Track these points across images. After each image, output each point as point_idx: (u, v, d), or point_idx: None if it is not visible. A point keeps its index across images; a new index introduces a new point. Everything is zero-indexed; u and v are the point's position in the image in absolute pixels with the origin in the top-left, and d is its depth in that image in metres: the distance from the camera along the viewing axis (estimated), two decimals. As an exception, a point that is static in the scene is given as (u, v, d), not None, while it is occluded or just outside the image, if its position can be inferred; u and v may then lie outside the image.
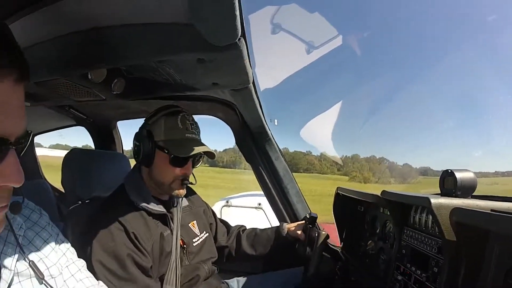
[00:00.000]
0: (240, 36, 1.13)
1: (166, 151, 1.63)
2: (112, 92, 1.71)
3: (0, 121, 0.62)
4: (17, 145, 0.68)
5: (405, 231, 1.70)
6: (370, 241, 2.13)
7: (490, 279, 1.21)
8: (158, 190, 1.74)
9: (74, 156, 1.96)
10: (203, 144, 1.69)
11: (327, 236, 2.04)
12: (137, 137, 1.69)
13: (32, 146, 3.76)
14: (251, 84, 1.67)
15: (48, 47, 1.29)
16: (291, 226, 2.19)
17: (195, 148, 1.62)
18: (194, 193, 2.11)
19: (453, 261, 1.31)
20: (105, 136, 3.08)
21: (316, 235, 2.01)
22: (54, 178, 3.83)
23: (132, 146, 1.73)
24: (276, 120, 2.48)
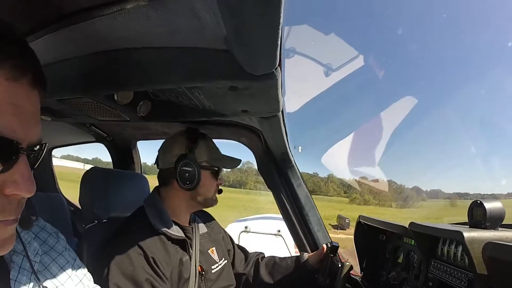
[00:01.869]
0: (277, 65, 1.11)
1: (216, 169, 1.79)
2: (137, 114, 1.72)
3: (12, 124, 0.60)
4: (29, 151, 0.65)
5: (432, 263, 1.65)
6: (393, 271, 2.07)
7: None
8: (185, 208, 1.80)
9: (94, 174, 1.96)
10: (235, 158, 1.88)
11: (351, 267, 2.00)
12: (181, 163, 1.71)
13: (49, 158, 3.75)
14: (280, 112, 1.66)
15: (73, 64, 1.29)
16: (312, 255, 2.13)
17: (235, 159, 1.87)
18: (213, 219, 2.09)
19: None
20: (124, 155, 3.12)
21: (340, 265, 1.97)
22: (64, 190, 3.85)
23: (178, 175, 1.71)
24: (300, 147, 2.47)
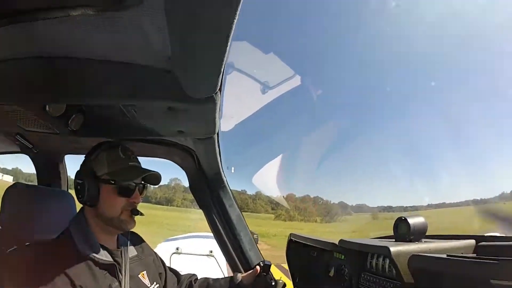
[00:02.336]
0: (218, 89, 1.13)
1: (113, 182, 1.55)
2: (68, 128, 1.59)
3: None
4: None
5: (362, 275, 1.76)
6: (325, 285, 2.15)
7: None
8: (106, 230, 1.62)
9: (17, 192, 1.77)
10: (147, 169, 1.65)
11: (284, 285, 2.02)
12: (79, 175, 1.59)
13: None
14: (216, 134, 1.67)
15: (8, 67, 1.16)
16: (245, 275, 2.11)
17: (142, 172, 1.62)
18: (142, 240, 1.96)
19: None
20: (50, 169, 2.80)
21: (273, 284, 1.98)
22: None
23: (74, 186, 1.60)
24: (233, 168, 2.48)
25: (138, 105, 1.40)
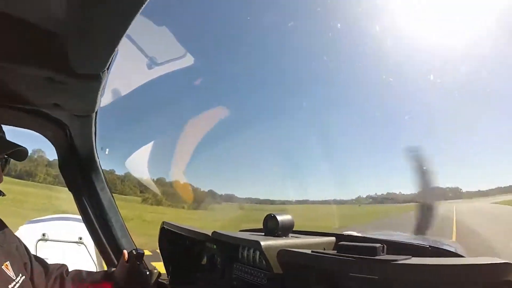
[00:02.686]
0: (106, 68, 1.06)
1: None
2: None
3: None
4: None
5: (235, 265, 1.80)
6: (198, 273, 2.17)
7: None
8: None
9: None
10: (14, 143, 1.47)
11: (159, 274, 1.95)
12: None
13: None
14: (94, 113, 1.56)
15: None
16: (118, 267, 1.97)
17: (7, 146, 1.43)
18: (4, 226, 1.66)
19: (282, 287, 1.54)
20: None
21: (148, 273, 1.88)
22: None
23: None
24: (107, 149, 2.28)
25: (11, 67, 1.20)
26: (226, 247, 1.84)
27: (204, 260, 2.16)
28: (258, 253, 1.65)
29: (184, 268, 2.32)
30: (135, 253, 1.89)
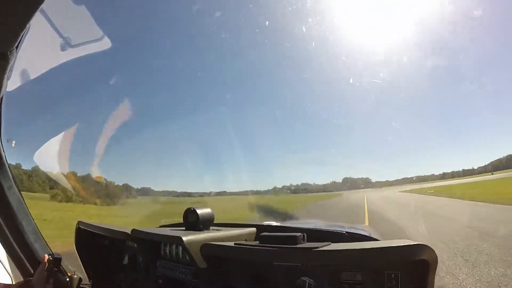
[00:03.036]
0: (15, 47, 0.95)
1: None
2: None
3: None
4: None
5: (159, 263, 1.70)
6: (121, 273, 2.03)
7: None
8: None
9: None
10: None
11: (80, 279, 1.83)
12: None
13: None
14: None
15: None
16: (35, 276, 1.76)
17: None
18: None
19: (206, 282, 1.49)
20: None
21: (68, 279, 1.75)
22: None
23: None
24: (14, 141, 2.00)
25: None
26: (148, 245, 1.73)
27: (126, 260, 2.00)
28: (180, 248, 1.58)
29: (105, 270, 2.15)
30: (51, 258, 1.72)
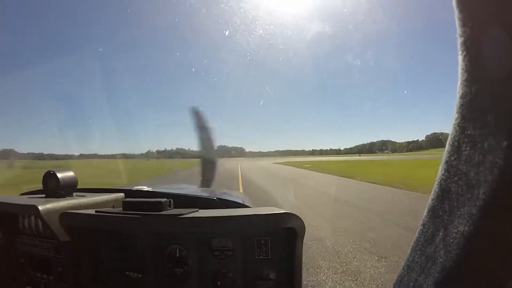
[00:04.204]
0: None
1: None
2: None
3: None
4: None
5: (19, 239, 1.48)
6: None
7: (107, 268, 1.36)
8: None
9: None
10: None
11: None
12: None
13: None
14: None
15: None
16: None
17: None
18: None
19: (73, 258, 1.35)
20: None
21: None
22: None
23: None
24: None
25: None
26: (4, 218, 1.49)
27: None
28: (39, 220, 1.38)
29: None
30: None
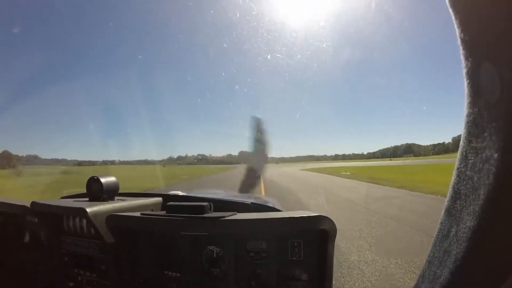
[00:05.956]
0: None
1: None
2: None
3: None
4: None
5: (63, 238, 1.58)
6: (22, 253, 1.86)
7: (147, 267, 1.44)
8: None
9: None
10: None
11: None
12: None
13: None
14: None
15: None
16: None
17: None
18: None
19: (116, 257, 1.44)
20: None
21: None
22: None
23: None
24: None
25: None
26: (49, 219, 1.58)
27: (27, 238, 1.82)
28: (85, 221, 1.48)
29: (3, 250, 1.93)
30: None
